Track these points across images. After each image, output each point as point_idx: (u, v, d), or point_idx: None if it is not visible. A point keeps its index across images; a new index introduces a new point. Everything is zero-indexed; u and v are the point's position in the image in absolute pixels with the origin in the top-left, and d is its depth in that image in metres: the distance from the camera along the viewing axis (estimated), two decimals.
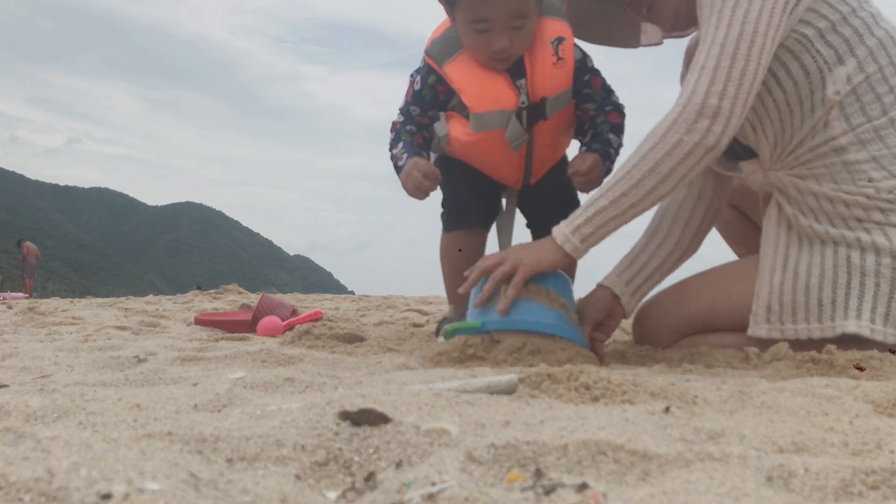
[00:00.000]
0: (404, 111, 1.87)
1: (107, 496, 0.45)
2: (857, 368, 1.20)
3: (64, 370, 1.26)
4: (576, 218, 1.42)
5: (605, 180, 1.47)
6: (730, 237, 2.03)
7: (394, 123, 1.88)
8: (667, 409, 0.78)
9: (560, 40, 1.71)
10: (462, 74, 1.72)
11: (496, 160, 1.78)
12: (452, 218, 1.92)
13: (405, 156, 1.75)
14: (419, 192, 1.72)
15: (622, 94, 1.83)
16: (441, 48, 1.76)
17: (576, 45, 1.77)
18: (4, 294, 9.09)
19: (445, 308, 3.56)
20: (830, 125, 1.42)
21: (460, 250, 1.85)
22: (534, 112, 1.72)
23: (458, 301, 1.87)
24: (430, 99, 1.82)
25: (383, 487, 0.56)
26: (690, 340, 1.65)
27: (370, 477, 0.60)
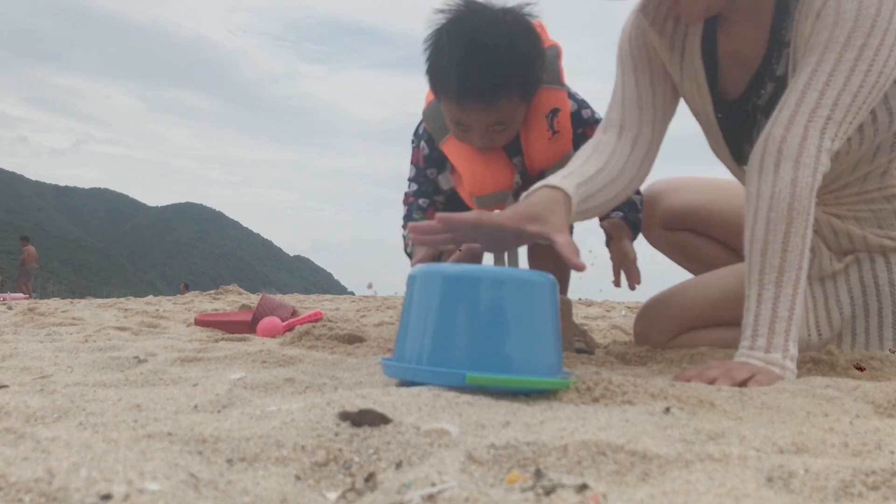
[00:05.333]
0: (418, 178, 1.84)
1: (107, 497, 0.45)
2: (857, 369, 1.20)
3: (64, 371, 1.26)
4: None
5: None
6: (698, 262, 1.85)
7: (406, 195, 1.86)
8: (667, 410, 0.78)
9: (555, 112, 1.67)
10: (459, 156, 1.71)
11: None
12: None
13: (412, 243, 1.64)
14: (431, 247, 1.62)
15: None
16: (435, 126, 1.76)
17: (570, 95, 1.72)
18: (5, 295, 9.09)
19: None
20: (889, 174, 1.35)
21: (460, 250, 1.84)
22: (531, 184, 1.71)
23: None
24: (440, 159, 1.81)
25: (383, 488, 0.56)
26: (691, 337, 1.65)
27: (370, 477, 0.60)
